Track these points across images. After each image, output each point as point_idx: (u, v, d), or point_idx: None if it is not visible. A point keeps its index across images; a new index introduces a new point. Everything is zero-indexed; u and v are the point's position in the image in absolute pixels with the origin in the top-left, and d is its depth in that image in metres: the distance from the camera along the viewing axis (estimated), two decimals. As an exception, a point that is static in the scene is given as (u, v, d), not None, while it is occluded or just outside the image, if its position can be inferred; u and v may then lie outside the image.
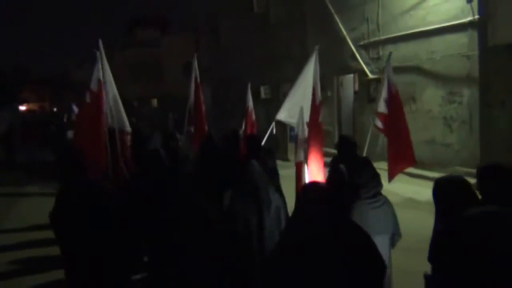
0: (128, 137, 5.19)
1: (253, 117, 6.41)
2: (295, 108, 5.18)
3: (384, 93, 4.66)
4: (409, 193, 7.75)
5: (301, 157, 4.52)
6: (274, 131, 5.90)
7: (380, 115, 4.73)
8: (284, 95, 6.12)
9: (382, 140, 10.61)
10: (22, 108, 41.33)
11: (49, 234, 6.37)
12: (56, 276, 4.60)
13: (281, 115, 5.60)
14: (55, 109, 38.80)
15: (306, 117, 4.69)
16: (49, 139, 12.20)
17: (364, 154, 4.90)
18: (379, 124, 4.83)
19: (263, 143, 5.51)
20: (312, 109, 4.58)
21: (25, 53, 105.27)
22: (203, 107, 6.05)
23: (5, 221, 7.45)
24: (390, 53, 5.27)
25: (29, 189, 10.02)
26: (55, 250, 5.57)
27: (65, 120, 12.53)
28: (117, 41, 31.93)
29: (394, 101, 4.52)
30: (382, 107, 4.68)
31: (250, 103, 6.47)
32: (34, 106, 45.82)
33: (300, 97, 5.16)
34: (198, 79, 5.86)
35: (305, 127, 4.64)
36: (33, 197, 9.23)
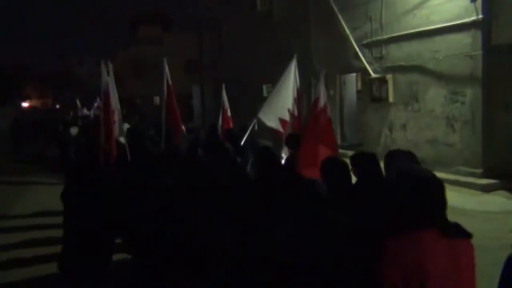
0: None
1: (228, 113, 7.26)
2: (273, 110, 5.97)
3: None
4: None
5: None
6: (256, 127, 6.29)
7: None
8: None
9: (384, 139, 10.64)
10: (25, 104, 41.45)
11: (52, 219, 6.73)
12: (54, 250, 5.14)
13: (261, 114, 6.11)
14: (57, 106, 38.91)
15: (282, 114, 5.76)
16: (56, 135, 12.73)
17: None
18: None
19: (243, 139, 6.04)
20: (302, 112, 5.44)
21: (26, 50, 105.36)
22: (176, 109, 6.43)
23: (14, 206, 8.21)
24: (324, 71, 5.33)
25: (35, 180, 10.72)
26: (56, 233, 5.85)
27: (71, 115, 12.68)
28: (120, 40, 32.06)
29: (314, 109, 4.78)
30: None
31: (226, 102, 7.38)
32: (36, 102, 45.97)
33: (279, 100, 5.87)
34: (170, 81, 6.15)
35: (279, 122, 5.76)
36: (39, 186, 9.93)
